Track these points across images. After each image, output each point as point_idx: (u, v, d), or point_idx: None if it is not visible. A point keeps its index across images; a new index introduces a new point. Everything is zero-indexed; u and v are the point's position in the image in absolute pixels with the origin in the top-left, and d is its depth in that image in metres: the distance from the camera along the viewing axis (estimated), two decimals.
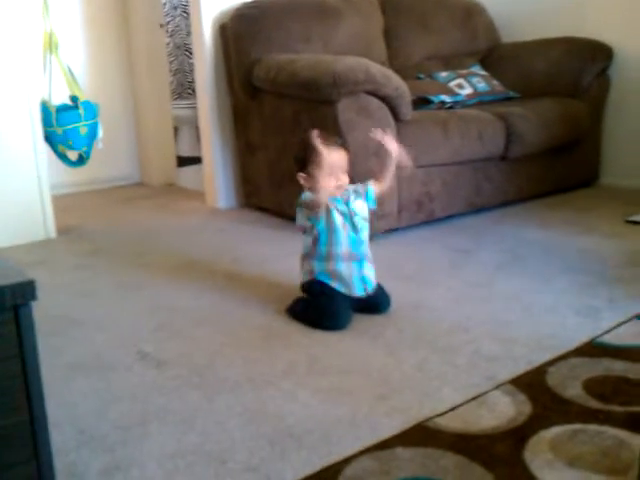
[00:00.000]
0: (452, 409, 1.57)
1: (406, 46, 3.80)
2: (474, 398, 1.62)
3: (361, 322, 2.09)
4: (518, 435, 1.45)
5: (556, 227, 3.04)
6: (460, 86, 3.59)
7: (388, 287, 2.20)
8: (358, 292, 2.12)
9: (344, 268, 2.09)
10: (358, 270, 2.12)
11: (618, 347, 1.85)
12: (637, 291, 2.26)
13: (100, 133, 3.21)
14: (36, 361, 1.09)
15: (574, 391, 1.63)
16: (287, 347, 1.94)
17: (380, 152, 2.81)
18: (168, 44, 5.89)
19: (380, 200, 2.24)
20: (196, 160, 4.74)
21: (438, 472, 1.34)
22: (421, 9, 3.86)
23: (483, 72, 3.81)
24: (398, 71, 3.13)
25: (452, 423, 1.51)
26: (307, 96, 2.93)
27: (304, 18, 3.38)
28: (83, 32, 4.24)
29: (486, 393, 1.64)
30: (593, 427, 1.47)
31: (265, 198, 3.46)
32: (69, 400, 1.69)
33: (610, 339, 1.91)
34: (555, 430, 1.47)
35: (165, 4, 5.89)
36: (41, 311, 1.28)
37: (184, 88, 6.20)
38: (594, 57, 3.63)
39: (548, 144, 3.41)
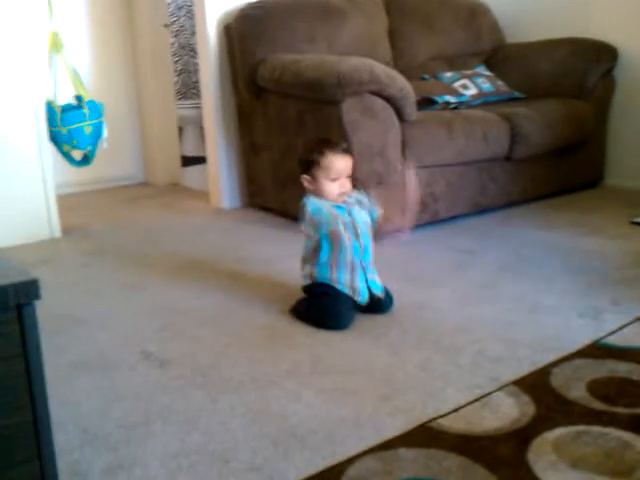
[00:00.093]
0: (455, 410, 1.57)
1: (411, 46, 3.79)
2: (477, 399, 1.61)
3: (364, 322, 2.09)
4: (522, 436, 1.45)
5: (561, 228, 3.04)
6: (465, 86, 3.59)
7: (392, 288, 2.20)
8: (362, 299, 2.11)
9: (347, 277, 2.09)
10: (362, 278, 2.11)
11: (622, 348, 1.85)
12: None
13: (105, 133, 3.22)
14: (39, 360, 1.09)
15: (578, 392, 1.62)
16: (291, 347, 1.94)
17: (386, 152, 2.83)
18: (173, 44, 5.89)
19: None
20: (200, 160, 4.75)
21: (441, 473, 1.34)
22: (425, 9, 3.86)
23: (488, 72, 3.81)
24: (403, 71, 3.13)
25: (455, 424, 1.51)
26: (311, 96, 2.93)
27: (308, 18, 3.38)
28: (88, 32, 4.25)
29: (490, 394, 1.64)
30: (597, 428, 1.47)
31: (269, 198, 3.46)
32: (72, 399, 1.69)
33: (614, 340, 1.90)
34: (559, 431, 1.46)
35: (170, 4, 5.91)
36: (45, 310, 1.28)
37: (189, 88, 6.21)
38: (599, 58, 3.62)
39: (553, 145, 3.41)
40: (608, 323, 2.02)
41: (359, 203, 2.13)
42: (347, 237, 2.05)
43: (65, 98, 3.18)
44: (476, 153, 3.13)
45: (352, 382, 1.73)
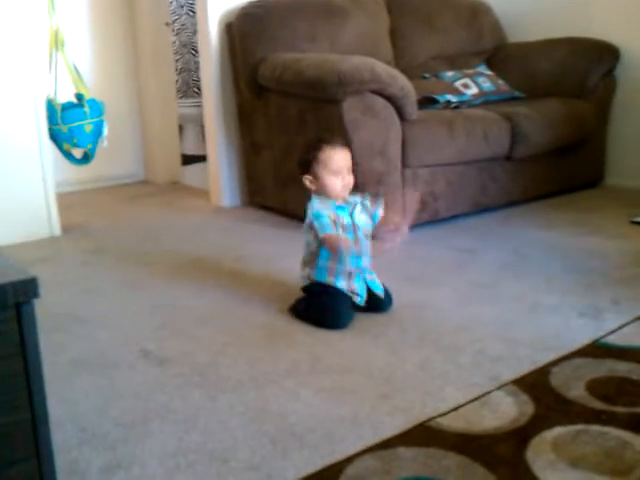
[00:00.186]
0: (455, 409, 1.57)
1: (412, 46, 3.79)
2: (477, 398, 1.61)
3: (364, 321, 2.09)
4: (521, 435, 1.45)
5: (561, 227, 3.04)
6: (466, 86, 3.58)
7: (392, 287, 2.20)
8: (360, 300, 2.11)
9: (344, 284, 2.09)
10: (361, 282, 2.11)
11: (622, 348, 1.85)
12: None
13: (105, 131, 3.21)
14: (38, 359, 1.09)
15: (577, 392, 1.62)
16: (290, 346, 1.94)
17: (387, 151, 2.83)
18: (174, 43, 5.89)
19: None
20: (201, 158, 4.76)
21: (440, 472, 1.34)
22: (427, 9, 3.86)
23: (489, 72, 3.80)
24: (404, 71, 3.13)
25: (454, 423, 1.51)
26: (312, 95, 2.92)
27: (310, 17, 3.38)
28: (89, 30, 4.24)
29: (489, 393, 1.64)
30: (596, 428, 1.47)
31: (270, 197, 3.45)
32: (71, 398, 1.69)
33: (614, 340, 1.90)
34: (558, 431, 1.46)
35: (171, 3, 5.90)
36: (44, 308, 1.28)
37: (189, 87, 6.21)
38: (600, 57, 3.62)
39: (553, 144, 3.40)
40: (608, 322, 2.02)
41: (362, 205, 2.12)
42: (344, 240, 2.03)
43: (66, 96, 3.18)
44: (477, 152, 3.13)
45: (351, 381, 1.73)
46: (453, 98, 3.42)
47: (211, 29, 3.45)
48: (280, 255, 2.77)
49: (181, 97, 5.99)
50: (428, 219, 3.08)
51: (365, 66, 2.78)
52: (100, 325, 2.15)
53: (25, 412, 1.09)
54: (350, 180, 2.09)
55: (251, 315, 2.18)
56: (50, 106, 3.10)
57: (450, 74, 3.68)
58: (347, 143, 2.25)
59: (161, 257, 2.83)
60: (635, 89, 3.67)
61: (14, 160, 3.04)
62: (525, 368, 1.76)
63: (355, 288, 2.10)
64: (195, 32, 5.80)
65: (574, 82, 3.64)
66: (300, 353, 1.89)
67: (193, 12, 5.92)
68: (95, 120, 3.15)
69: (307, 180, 2.11)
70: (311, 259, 2.11)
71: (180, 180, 4.54)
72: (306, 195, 2.15)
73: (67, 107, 3.13)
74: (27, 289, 1.04)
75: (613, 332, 1.95)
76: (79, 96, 3.17)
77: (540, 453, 1.39)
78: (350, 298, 2.10)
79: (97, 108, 3.17)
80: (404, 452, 1.41)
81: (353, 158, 2.16)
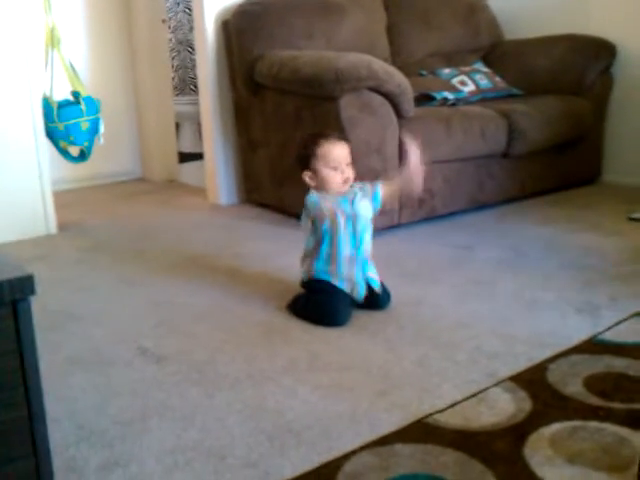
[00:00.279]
0: (452, 405, 1.57)
1: (409, 43, 3.79)
2: (474, 395, 1.61)
3: (361, 318, 2.09)
4: (518, 432, 1.45)
5: (558, 224, 3.04)
6: (463, 83, 3.58)
7: (389, 284, 2.20)
8: (360, 294, 2.11)
9: (347, 270, 2.09)
10: (362, 272, 2.11)
11: (619, 344, 1.85)
12: (638, 288, 2.25)
13: (101, 129, 3.21)
14: (34, 356, 1.09)
15: (574, 388, 1.63)
16: (287, 343, 1.94)
17: (383, 149, 2.83)
18: (170, 40, 5.88)
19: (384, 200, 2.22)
20: (198, 156, 4.74)
21: (438, 468, 1.34)
22: (424, 6, 3.86)
23: (486, 69, 3.80)
24: (401, 68, 3.12)
25: (452, 419, 1.51)
26: (309, 92, 2.92)
27: (307, 14, 3.37)
28: (85, 27, 4.23)
29: (486, 389, 1.64)
30: (593, 424, 1.47)
31: (266, 194, 3.45)
32: (68, 395, 1.69)
33: (611, 336, 1.90)
34: (555, 427, 1.47)
35: (167, 0, 5.89)
36: (41, 306, 1.28)
37: (186, 84, 6.20)
38: (597, 54, 3.62)
39: (551, 141, 3.41)
40: (605, 319, 2.02)
41: (362, 191, 2.12)
42: (344, 226, 2.05)
43: (62, 94, 3.17)
44: (474, 149, 3.13)
45: (349, 378, 1.73)
46: (450, 95, 3.41)
47: (208, 26, 3.45)
48: (277, 252, 2.76)
49: (178, 94, 5.98)
50: (425, 216, 3.08)
51: (362, 63, 2.78)
52: (97, 323, 2.15)
53: (22, 409, 1.09)
54: (350, 174, 2.09)
55: (249, 312, 2.17)
56: (46, 104, 3.09)
57: (447, 71, 3.68)
58: (342, 136, 2.25)
59: (158, 255, 2.83)
60: (632, 86, 3.67)
61: (10, 158, 3.03)
62: (522, 365, 1.76)
63: (355, 278, 2.10)
64: (191, 29, 5.78)
65: (571, 79, 3.64)
66: (298, 350, 1.89)
67: (189, 9, 5.91)
68: (91, 118, 3.15)
69: (307, 176, 2.11)
70: (313, 251, 2.11)
71: (177, 178, 4.54)
72: (303, 192, 2.14)
73: (63, 105, 3.12)
74: (23, 286, 1.04)
75: (610, 328, 1.95)
76: (75, 94, 3.16)
77: (537, 449, 1.39)
78: (349, 296, 2.10)
79: (93, 106, 3.16)
80: (402, 449, 1.41)
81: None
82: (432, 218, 3.11)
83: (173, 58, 6.00)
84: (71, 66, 3.16)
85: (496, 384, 1.66)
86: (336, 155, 2.06)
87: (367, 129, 2.81)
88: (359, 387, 1.68)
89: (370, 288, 2.13)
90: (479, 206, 3.28)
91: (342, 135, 2.22)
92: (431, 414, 1.53)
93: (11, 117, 3.02)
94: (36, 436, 1.11)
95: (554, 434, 1.44)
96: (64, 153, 3.23)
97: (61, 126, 3.08)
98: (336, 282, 2.09)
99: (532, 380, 1.67)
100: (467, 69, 3.72)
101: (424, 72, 3.70)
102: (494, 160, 3.26)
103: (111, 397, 1.67)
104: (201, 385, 1.71)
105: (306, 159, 2.09)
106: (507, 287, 2.32)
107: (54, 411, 1.55)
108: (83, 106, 3.11)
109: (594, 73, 3.61)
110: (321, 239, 2.08)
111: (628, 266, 2.48)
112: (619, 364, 1.74)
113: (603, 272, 2.42)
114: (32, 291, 1.06)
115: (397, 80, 2.83)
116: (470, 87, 3.57)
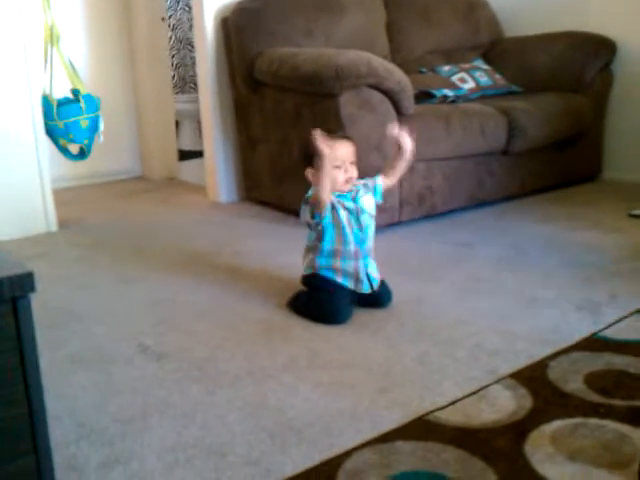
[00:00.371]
0: (453, 403, 1.57)
1: (408, 40, 3.78)
2: (475, 392, 1.61)
3: (362, 316, 2.09)
4: (519, 429, 1.45)
5: (558, 222, 3.04)
6: (462, 80, 3.58)
7: (389, 281, 2.20)
8: (365, 289, 2.11)
9: (351, 265, 2.08)
10: (364, 267, 2.11)
11: (619, 341, 1.85)
12: (639, 285, 2.25)
13: (101, 126, 3.20)
14: (35, 353, 1.08)
15: (575, 385, 1.62)
16: (288, 341, 1.94)
17: (383, 146, 2.82)
18: (170, 38, 5.88)
19: (385, 194, 2.22)
20: (197, 154, 4.74)
21: (439, 466, 1.34)
22: (423, 3, 3.85)
23: (486, 66, 3.80)
24: (400, 65, 3.12)
25: (453, 417, 1.51)
26: (309, 90, 2.92)
27: (306, 12, 3.37)
28: (85, 25, 4.23)
29: (487, 387, 1.64)
30: (594, 421, 1.47)
31: (266, 192, 3.45)
32: (69, 393, 1.69)
33: (611, 333, 1.90)
34: (556, 424, 1.46)
35: None
36: (41, 303, 1.28)
37: (186, 82, 6.20)
38: (597, 51, 3.62)
39: (551, 138, 3.40)
40: (605, 316, 2.02)
41: (365, 187, 2.12)
42: (347, 220, 2.05)
43: (61, 92, 3.17)
44: (473, 147, 3.12)
45: (349, 376, 1.72)
46: (450, 92, 3.41)
47: (207, 24, 3.44)
48: (277, 250, 2.76)
49: (177, 92, 5.98)
50: (425, 213, 3.08)
51: (362, 60, 2.77)
52: (97, 320, 2.14)
53: (22, 407, 1.09)
54: (353, 173, 2.09)
55: (249, 310, 2.17)
56: (46, 102, 3.09)
57: (447, 68, 3.67)
58: (346, 135, 2.24)
59: (158, 253, 2.83)
60: (632, 83, 3.67)
61: (10, 156, 3.03)
62: (523, 362, 1.76)
63: (360, 273, 2.09)
64: (191, 27, 5.79)
65: (571, 76, 3.64)
66: (298, 348, 1.89)
67: (189, 7, 5.91)
68: (91, 116, 3.14)
69: (309, 174, 2.10)
70: (315, 245, 2.11)
71: (177, 176, 4.53)
72: (304, 189, 2.14)
73: (63, 103, 3.12)
74: (23, 283, 1.04)
75: (611, 326, 1.95)
76: (75, 92, 3.16)
77: (538, 446, 1.39)
78: (350, 293, 2.10)
79: (93, 103, 3.16)
80: (403, 446, 1.41)
81: None
82: (432, 215, 3.11)
83: (173, 56, 6.00)
84: (70, 64, 3.16)
85: (497, 381, 1.66)
86: (340, 154, 2.05)
87: (367, 126, 2.81)
88: (360, 384, 1.68)
89: (371, 286, 2.12)
90: (479, 204, 3.28)
91: (347, 134, 2.21)
92: (432, 411, 1.53)
93: (11, 115, 3.01)
94: (37, 434, 1.11)
95: (555, 431, 1.44)
96: (64, 151, 3.23)
97: (61, 124, 3.08)
98: (339, 278, 2.09)
99: (533, 377, 1.67)
100: (467, 66, 3.72)
101: (424, 69, 3.70)
102: (494, 157, 3.26)
103: (112, 395, 1.67)
104: (201, 382, 1.71)
105: (310, 157, 2.08)
106: (507, 284, 2.32)
107: (54, 409, 1.55)
108: (83, 104, 3.11)
109: (594, 70, 3.61)
110: (322, 233, 2.08)
111: (629, 263, 2.48)
112: (620, 361, 1.74)
113: (603, 269, 2.42)
114: (32, 288, 1.05)
115: (397, 77, 2.83)
116: (470, 84, 3.57)
